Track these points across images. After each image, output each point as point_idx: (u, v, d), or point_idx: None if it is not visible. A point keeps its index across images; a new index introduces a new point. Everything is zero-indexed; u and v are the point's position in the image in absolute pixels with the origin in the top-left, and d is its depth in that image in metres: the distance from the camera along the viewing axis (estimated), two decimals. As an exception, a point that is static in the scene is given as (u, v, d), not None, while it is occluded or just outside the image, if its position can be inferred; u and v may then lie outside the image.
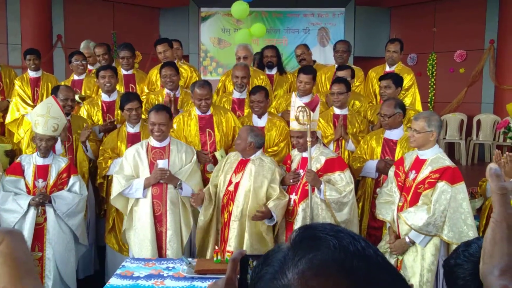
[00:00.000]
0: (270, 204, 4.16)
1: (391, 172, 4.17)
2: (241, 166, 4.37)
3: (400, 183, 4.02)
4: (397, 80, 5.18)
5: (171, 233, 4.37)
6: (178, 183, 4.38)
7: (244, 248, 4.15)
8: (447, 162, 3.87)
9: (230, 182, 4.36)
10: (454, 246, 3.68)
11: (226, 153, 4.82)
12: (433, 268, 3.79)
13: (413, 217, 3.77)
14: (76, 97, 5.60)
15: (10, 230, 0.58)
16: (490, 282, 0.75)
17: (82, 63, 6.09)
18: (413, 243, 3.85)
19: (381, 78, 5.30)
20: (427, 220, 3.70)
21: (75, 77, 6.16)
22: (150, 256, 4.28)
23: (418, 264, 3.83)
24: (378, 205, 4.17)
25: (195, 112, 4.95)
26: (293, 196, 4.26)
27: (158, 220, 4.39)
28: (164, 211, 4.38)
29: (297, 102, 4.15)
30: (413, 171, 3.95)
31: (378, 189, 4.42)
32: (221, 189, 4.39)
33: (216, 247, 3.91)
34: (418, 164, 3.96)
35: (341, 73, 5.55)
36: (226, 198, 4.33)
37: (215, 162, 4.80)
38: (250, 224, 4.23)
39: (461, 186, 3.76)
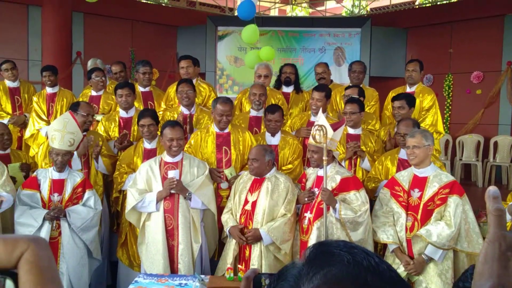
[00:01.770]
0: (263, 228, 4.22)
1: (384, 194, 4.21)
2: (256, 184, 4.39)
3: (403, 203, 4.05)
4: (410, 100, 5.19)
5: (182, 247, 4.38)
6: (188, 194, 4.40)
7: (267, 268, 4.17)
8: (450, 176, 4.05)
9: (247, 201, 4.37)
10: (462, 260, 3.88)
11: (240, 170, 4.85)
12: (452, 281, 3.85)
13: (435, 234, 3.83)
14: (98, 117, 5.69)
15: (35, 237, 0.59)
16: None
17: (102, 79, 6.18)
18: (430, 260, 3.89)
19: (394, 99, 5.30)
20: (450, 235, 3.80)
21: (93, 93, 6.24)
22: (162, 270, 4.29)
23: (439, 279, 3.86)
24: (377, 229, 4.18)
25: (213, 129, 4.98)
26: (307, 215, 4.25)
27: (170, 234, 4.41)
28: (176, 225, 4.40)
29: (321, 119, 4.18)
30: (416, 190, 4.03)
31: (372, 213, 4.40)
32: (237, 209, 4.40)
33: (239, 266, 3.92)
34: (420, 182, 4.05)
35: (348, 92, 5.62)
36: (244, 217, 4.35)
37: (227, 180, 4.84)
38: (271, 247, 4.29)
39: (466, 197, 3.95)
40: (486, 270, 0.74)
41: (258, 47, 10.58)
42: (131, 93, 5.47)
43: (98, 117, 5.72)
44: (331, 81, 6.65)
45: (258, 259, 4.26)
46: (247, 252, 4.32)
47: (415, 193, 4.02)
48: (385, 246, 4.49)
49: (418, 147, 3.99)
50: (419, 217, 3.96)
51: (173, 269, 4.38)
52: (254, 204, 4.35)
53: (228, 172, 4.84)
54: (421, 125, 5.19)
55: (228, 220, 4.41)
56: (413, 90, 5.85)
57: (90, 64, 7.09)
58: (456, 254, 3.98)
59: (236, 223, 4.34)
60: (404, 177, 4.15)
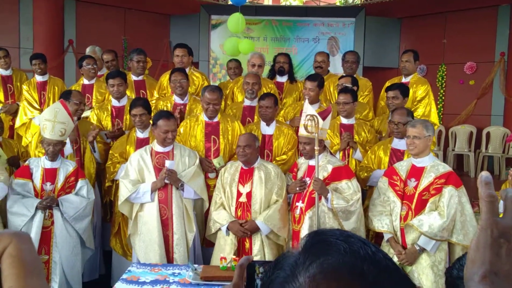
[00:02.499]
0: (259, 218, 4.24)
1: (383, 183, 4.22)
2: (247, 175, 4.38)
3: (399, 192, 4.06)
4: (404, 90, 5.20)
5: (177, 237, 4.39)
6: (180, 184, 4.40)
7: (270, 257, 4.22)
8: (447, 167, 4.06)
9: (240, 193, 4.37)
10: (458, 253, 3.87)
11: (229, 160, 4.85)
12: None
13: (427, 224, 3.84)
14: (85, 114, 5.65)
15: (17, 232, 0.59)
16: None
17: (93, 67, 6.12)
18: (422, 250, 3.90)
19: (388, 89, 5.31)
20: (442, 225, 3.80)
21: (85, 82, 6.18)
22: (158, 260, 4.30)
23: (430, 271, 3.87)
24: (373, 218, 4.19)
25: (203, 117, 4.97)
26: (299, 204, 4.26)
27: (164, 224, 4.41)
28: (170, 215, 4.40)
29: (308, 109, 4.16)
30: (413, 179, 4.03)
31: (370, 201, 4.41)
32: (230, 203, 4.39)
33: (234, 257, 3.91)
34: (417, 172, 4.05)
35: (342, 81, 5.64)
36: (240, 210, 4.35)
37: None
38: (270, 235, 4.32)
39: (463, 189, 3.94)
40: (478, 257, 0.74)
41: (251, 37, 10.57)
42: (123, 83, 5.43)
43: (86, 113, 5.65)
44: (328, 71, 6.63)
45: (260, 249, 4.29)
46: (247, 245, 4.33)
47: (411, 183, 4.03)
48: (376, 234, 4.53)
49: (418, 138, 3.98)
50: (413, 206, 3.97)
51: (168, 259, 4.39)
52: (249, 195, 4.34)
53: (216, 161, 4.83)
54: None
55: (224, 216, 4.34)
56: (408, 81, 5.86)
57: (88, 51, 7.00)
58: (451, 246, 3.98)
59: (234, 218, 4.33)
60: (403, 167, 4.15)
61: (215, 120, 4.96)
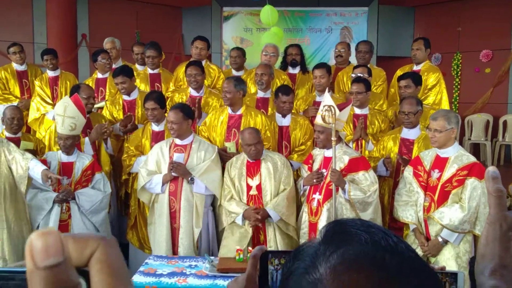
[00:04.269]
0: (269, 206, 4.28)
1: (408, 173, 4.15)
2: (254, 168, 4.39)
3: (423, 183, 4.00)
4: (416, 79, 5.15)
5: (183, 230, 4.43)
6: (190, 178, 4.40)
7: (283, 248, 4.24)
8: (472, 158, 3.94)
9: (249, 187, 4.37)
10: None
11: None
12: (468, 265, 3.82)
13: (447, 217, 3.79)
14: (98, 105, 5.68)
15: (103, 236, 0.59)
16: (481, 282, 0.76)
17: (108, 61, 6.14)
18: (446, 242, 3.87)
19: (399, 78, 5.27)
20: (463, 218, 3.73)
21: (99, 75, 6.21)
22: (164, 252, 4.35)
23: (454, 263, 3.83)
24: (398, 207, 4.15)
25: (228, 110, 4.97)
26: (316, 196, 4.25)
27: (172, 216, 4.46)
28: (178, 208, 4.44)
29: (326, 100, 4.13)
30: (436, 170, 3.94)
31: (396, 190, 4.38)
32: (241, 197, 4.40)
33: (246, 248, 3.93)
34: (440, 162, 3.96)
35: (357, 71, 5.58)
36: (252, 203, 4.37)
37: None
38: (280, 224, 4.34)
39: None
40: (488, 252, 0.74)
41: (263, 28, 10.51)
42: (126, 80, 5.37)
43: (98, 105, 5.68)
44: (349, 62, 6.57)
45: (274, 240, 4.32)
46: (261, 237, 4.36)
47: (435, 174, 3.95)
48: (390, 225, 4.51)
49: (439, 131, 3.88)
50: (436, 198, 3.90)
51: (174, 252, 4.43)
52: (259, 187, 4.36)
53: (229, 145, 4.83)
54: (423, 103, 5.16)
55: (238, 206, 4.35)
56: (419, 69, 5.82)
57: (105, 42, 6.94)
58: (476, 238, 3.91)
59: (247, 206, 4.33)
60: (427, 157, 4.07)
61: (238, 112, 4.94)
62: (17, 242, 4.25)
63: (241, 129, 4.81)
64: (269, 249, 4.05)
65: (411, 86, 5.07)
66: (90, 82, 6.14)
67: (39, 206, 4.36)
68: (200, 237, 4.52)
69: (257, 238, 4.36)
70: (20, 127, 5.07)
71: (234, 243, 4.27)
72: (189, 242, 4.43)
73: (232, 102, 4.87)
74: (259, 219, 4.25)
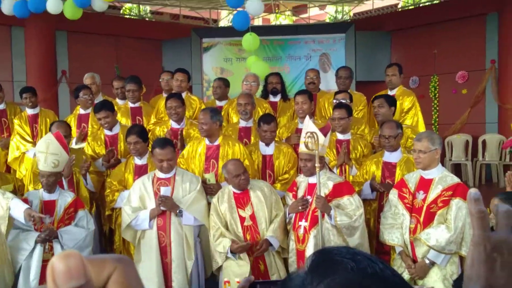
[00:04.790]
0: (268, 233, 4.27)
1: (393, 195, 4.16)
2: (243, 198, 4.37)
3: (408, 205, 4.02)
4: (389, 99, 5.23)
5: (176, 264, 4.35)
6: (178, 211, 4.35)
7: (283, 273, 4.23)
8: (456, 178, 3.98)
9: (242, 218, 4.34)
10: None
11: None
12: None
13: (434, 238, 3.79)
14: (75, 146, 5.64)
15: (120, 257, 0.57)
16: None
17: (90, 97, 6.10)
18: (433, 264, 3.86)
19: (373, 99, 5.36)
20: (449, 239, 3.74)
21: (81, 111, 6.17)
22: (156, 287, 4.25)
23: (441, 285, 3.82)
24: (384, 230, 4.15)
25: (205, 141, 4.96)
26: (302, 223, 4.23)
27: (163, 251, 4.37)
28: (168, 242, 4.36)
29: (309, 126, 4.15)
30: (421, 192, 3.97)
31: (381, 213, 4.39)
32: (235, 230, 4.34)
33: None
34: (425, 184, 3.99)
35: (339, 96, 5.63)
36: (249, 234, 4.33)
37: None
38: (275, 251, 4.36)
39: None
40: (474, 273, 0.74)
41: (243, 58, 10.60)
42: (109, 114, 5.34)
43: (78, 146, 5.66)
44: (319, 89, 6.67)
45: (275, 267, 4.31)
46: (261, 266, 4.30)
47: (420, 195, 3.96)
48: (377, 250, 4.50)
49: (423, 152, 3.91)
50: (421, 219, 3.91)
51: (167, 287, 4.34)
52: (252, 217, 4.33)
53: (208, 176, 4.81)
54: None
55: (225, 243, 4.25)
56: (393, 93, 5.93)
57: (85, 77, 6.90)
58: (463, 259, 3.90)
59: (232, 238, 4.26)
60: (412, 179, 4.09)
61: (216, 143, 4.94)
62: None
63: (219, 159, 4.82)
64: (272, 278, 4.03)
65: (384, 106, 5.15)
66: (73, 119, 6.11)
67: (21, 247, 4.25)
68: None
69: (257, 268, 4.30)
70: None
71: (236, 268, 4.22)
72: (183, 275, 4.36)
73: (209, 133, 4.86)
74: (262, 251, 4.23)
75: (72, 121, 6.10)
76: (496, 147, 9.29)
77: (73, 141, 5.78)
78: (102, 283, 0.54)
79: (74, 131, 6.02)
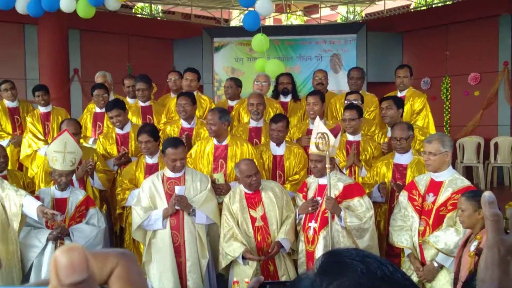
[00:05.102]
0: (280, 236, 4.26)
1: (403, 197, 4.14)
2: (255, 199, 4.37)
3: (417, 207, 3.99)
4: (397, 101, 5.20)
5: (190, 263, 4.34)
6: (191, 210, 4.36)
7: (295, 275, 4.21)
8: (466, 181, 3.93)
9: (254, 219, 4.34)
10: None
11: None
12: None
13: (443, 241, 3.76)
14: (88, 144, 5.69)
15: (124, 251, 0.57)
16: None
17: (102, 97, 6.12)
18: (441, 267, 3.82)
19: (381, 100, 5.32)
20: (458, 242, 3.68)
21: (97, 110, 6.19)
22: (171, 287, 4.26)
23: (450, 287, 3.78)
24: (393, 232, 4.13)
25: (213, 141, 4.97)
26: (312, 224, 4.22)
27: (177, 251, 4.36)
28: (182, 242, 4.36)
29: (320, 127, 4.14)
30: (431, 194, 3.93)
31: (391, 215, 4.36)
32: (247, 231, 4.34)
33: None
34: (435, 186, 3.95)
35: (351, 97, 5.62)
36: (260, 234, 4.32)
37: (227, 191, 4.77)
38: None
39: None
40: (488, 276, 0.74)
41: (254, 57, 10.61)
42: (121, 113, 5.37)
43: (88, 143, 5.71)
44: (327, 90, 6.65)
45: (285, 269, 4.30)
46: (271, 267, 4.29)
47: (430, 198, 3.93)
48: (388, 252, 4.48)
49: (434, 154, 3.88)
50: (430, 222, 3.88)
51: (182, 286, 4.34)
52: (263, 218, 4.32)
53: (217, 176, 4.81)
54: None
55: (236, 247, 4.24)
56: (404, 95, 5.90)
57: (97, 76, 6.94)
58: None
59: (246, 246, 4.21)
60: (422, 181, 4.07)
61: (224, 143, 4.95)
62: (6, 285, 4.14)
63: (228, 159, 4.83)
64: (282, 279, 4.02)
65: (393, 107, 5.11)
66: (88, 116, 6.15)
67: (33, 244, 4.29)
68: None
69: (266, 268, 4.30)
70: (6, 165, 4.98)
71: (245, 268, 4.23)
72: (198, 275, 4.36)
73: (217, 133, 4.87)
74: (274, 254, 4.23)
75: (88, 119, 6.15)
76: (509, 150, 9.22)
77: (90, 140, 5.82)
78: (105, 278, 0.54)
79: (89, 129, 6.07)
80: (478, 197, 3.26)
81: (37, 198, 4.46)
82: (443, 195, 3.88)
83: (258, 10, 6.40)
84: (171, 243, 4.35)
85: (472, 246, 3.16)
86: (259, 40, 6.74)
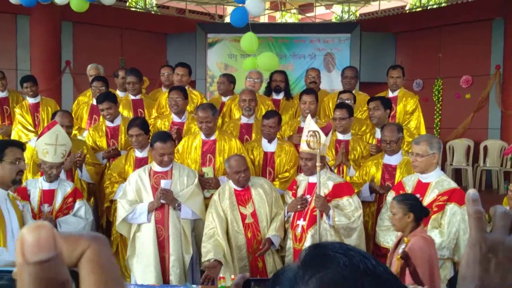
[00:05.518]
0: (271, 232, 4.26)
1: (391, 197, 4.15)
2: (244, 196, 4.36)
3: None
4: (385, 101, 5.20)
5: (174, 258, 4.33)
6: (177, 204, 4.35)
7: None
8: (452, 183, 3.96)
9: (244, 215, 4.33)
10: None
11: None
12: None
13: None
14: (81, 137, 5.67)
15: (95, 235, 0.56)
16: None
17: (100, 89, 6.07)
18: None
19: (369, 101, 5.33)
20: (441, 243, 3.71)
21: (94, 102, 6.13)
22: (154, 281, 4.24)
23: None
24: (380, 232, 4.15)
25: (201, 136, 4.96)
26: (300, 222, 4.23)
27: (160, 245, 4.34)
28: (166, 236, 4.34)
29: (311, 125, 4.13)
30: (418, 195, 3.94)
31: (379, 215, 4.38)
32: (237, 228, 4.32)
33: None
34: (422, 187, 3.98)
35: (344, 96, 5.62)
36: (250, 232, 4.31)
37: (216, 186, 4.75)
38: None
39: None
40: (469, 274, 0.74)
41: (248, 54, 10.58)
42: (112, 105, 5.35)
43: (83, 136, 5.68)
44: (319, 89, 6.66)
45: (274, 266, 4.30)
46: (259, 264, 4.29)
47: None
48: (374, 252, 4.49)
49: (421, 156, 3.90)
50: None
51: (165, 281, 4.33)
52: (253, 215, 4.32)
53: (207, 170, 4.80)
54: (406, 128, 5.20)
55: (209, 249, 4.17)
56: (395, 95, 5.92)
57: (89, 68, 6.89)
58: (456, 265, 3.88)
59: (219, 256, 4.12)
60: (409, 182, 4.09)
61: (212, 138, 4.94)
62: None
63: (216, 154, 4.82)
64: (270, 274, 4.01)
65: (380, 108, 5.11)
66: (85, 107, 6.13)
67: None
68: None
69: (255, 265, 4.30)
70: None
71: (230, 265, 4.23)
72: (181, 270, 4.35)
73: (213, 130, 4.89)
74: (264, 250, 4.23)
75: (84, 110, 6.12)
76: (498, 153, 9.28)
77: (84, 133, 5.80)
78: (75, 260, 0.53)
79: (85, 121, 6.04)
80: (408, 201, 3.30)
81: (25, 189, 4.43)
82: (430, 196, 3.90)
83: (248, 10, 6.39)
84: (155, 237, 4.33)
85: (400, 249, 3.17)
86: (249, 40, 6.70)
